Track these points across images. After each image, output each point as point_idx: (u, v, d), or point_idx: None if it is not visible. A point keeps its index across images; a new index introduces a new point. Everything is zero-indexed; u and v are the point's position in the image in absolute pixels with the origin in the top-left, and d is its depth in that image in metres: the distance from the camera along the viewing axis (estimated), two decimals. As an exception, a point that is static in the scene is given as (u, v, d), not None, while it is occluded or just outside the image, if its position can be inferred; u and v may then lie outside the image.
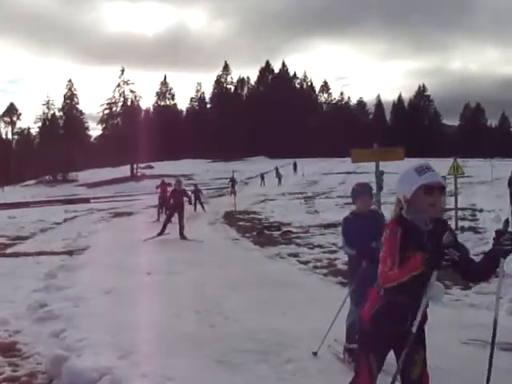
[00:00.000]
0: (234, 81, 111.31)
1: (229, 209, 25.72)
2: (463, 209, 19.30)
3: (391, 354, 2.98)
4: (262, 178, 47.60)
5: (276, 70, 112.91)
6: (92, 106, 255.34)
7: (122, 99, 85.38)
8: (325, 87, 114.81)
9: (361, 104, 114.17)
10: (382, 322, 2.87)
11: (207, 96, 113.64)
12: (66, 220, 23.92)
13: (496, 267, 2.77)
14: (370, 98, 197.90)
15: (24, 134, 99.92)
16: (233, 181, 36.33)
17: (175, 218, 15.37)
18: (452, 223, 14.00)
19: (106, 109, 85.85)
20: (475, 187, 31.47)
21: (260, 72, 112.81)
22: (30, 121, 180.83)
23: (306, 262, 10.98)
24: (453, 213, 15.74)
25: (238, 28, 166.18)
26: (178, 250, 12.91)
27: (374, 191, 15.76)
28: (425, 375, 2.93)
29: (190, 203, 17.84)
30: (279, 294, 7.83)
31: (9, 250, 13.68)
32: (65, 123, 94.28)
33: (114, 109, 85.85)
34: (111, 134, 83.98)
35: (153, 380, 4.45)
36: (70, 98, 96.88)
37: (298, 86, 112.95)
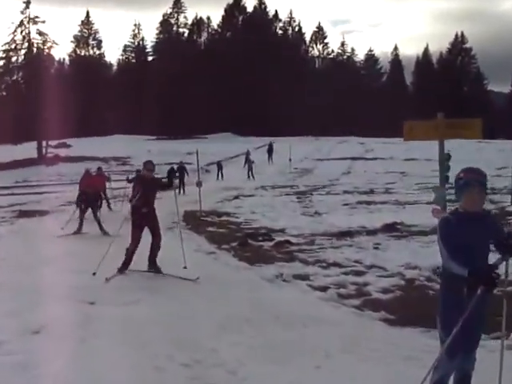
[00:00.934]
0: (189, 22, 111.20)
1: (189, 207, 25.49)
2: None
3: None
4: (220, 167, 46.60)
5: (249, 9, 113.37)
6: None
7: (25, 45, 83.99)
8: (319, 35, 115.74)
9: (370, 60, 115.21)
10: None
11: (149, 44, 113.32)
12: None
13: None
14: (382, 52, 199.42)
15: None
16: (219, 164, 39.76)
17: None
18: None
19: (0, 58, 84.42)
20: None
21: (226, 11, 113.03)
22: None
23: (323, 289, 10.84)
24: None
25: None
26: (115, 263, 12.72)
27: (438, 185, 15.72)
28: None
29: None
30: (300, 337, 7.75)
31: None
32: None
33: (13, 59, 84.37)
34: (9, 96, 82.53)
35: None
36: None
37: (280, 32, 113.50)
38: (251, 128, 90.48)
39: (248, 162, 45.90)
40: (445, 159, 10.55)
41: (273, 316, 8.83)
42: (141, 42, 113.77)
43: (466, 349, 4.77)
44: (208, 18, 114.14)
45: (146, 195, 12.09)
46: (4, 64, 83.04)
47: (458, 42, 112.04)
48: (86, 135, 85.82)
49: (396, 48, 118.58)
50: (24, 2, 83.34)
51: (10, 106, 75.78)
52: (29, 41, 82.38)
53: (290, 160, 49.77)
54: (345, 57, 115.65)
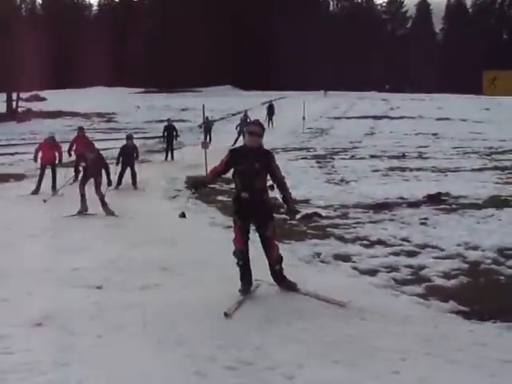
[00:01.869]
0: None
1: (191, 172, 25.37)
2: None
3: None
4: (208, 128, 40.77)
5: None
6: None
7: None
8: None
9: (394, 2, 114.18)
10: None
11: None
12: None
13: None
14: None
15: None
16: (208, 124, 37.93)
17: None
18: None
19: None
20: None
21: None
22: None
23: (372, 272, 10.53)
24: None
25: None
26: (131, 240, 12.64)
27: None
28: None
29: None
30: (361, 333, 7.44)
31: None
32: None
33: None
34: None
35: None
36: None
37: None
38: (254, 80, 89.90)
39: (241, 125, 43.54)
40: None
41: (322, 305, 8.51)
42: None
43: None
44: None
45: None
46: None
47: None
48: (63, 86, 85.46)
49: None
50: None
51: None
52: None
53: (304, 118, 49.06)
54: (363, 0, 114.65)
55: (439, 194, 18.32)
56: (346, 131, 48.33)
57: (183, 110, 64.22)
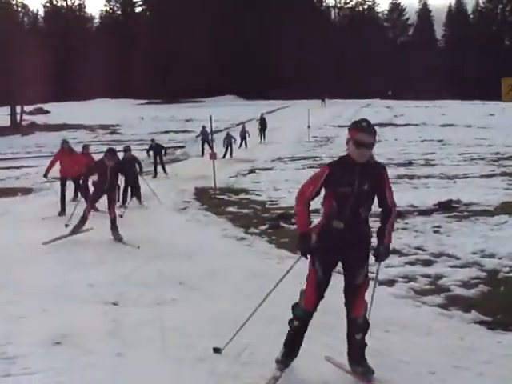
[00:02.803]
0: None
1: (200, 184, 25.60)
2: None
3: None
4: (205, 140, 40.78)
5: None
6: None
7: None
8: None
9: (395, 10, 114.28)
10: None
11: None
12: None
13: None
14: (408, 2, 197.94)
15: None
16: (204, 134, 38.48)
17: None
18: None
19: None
20: None
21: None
22: None
23: (390, 282, 10.39)
24: None
25: None
26: (145, 255, 12.51)
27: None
28: None
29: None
30: (385, 345, 7.39)
31: None
32: None
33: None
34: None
35: None
36: None
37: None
38: (257, 90, 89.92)
39: (229, 138, 42.36)
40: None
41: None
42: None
43: None
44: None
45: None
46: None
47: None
48: (66, 99, 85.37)
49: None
50: None
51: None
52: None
53: (309, 127, 49.08)
54: (365, 6, 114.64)
55: (450, 201, 18.19)
56: (351, 139, 48.16)
57: (187, 120, 64.30)
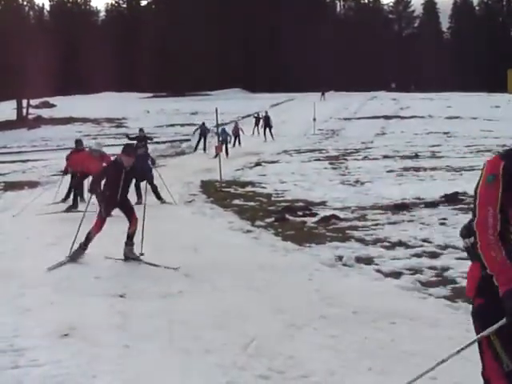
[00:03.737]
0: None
1: (206, 177, 25.70)
2: None
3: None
4: (204, 134, 40.77)
5: None
6: None
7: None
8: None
9: (401, 2, 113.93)
10: None
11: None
12: None
13: None
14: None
15: None
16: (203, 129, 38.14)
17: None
18: None
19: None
20: None
21: None
22: None
23: (396, 275, 10.43)
24: None
25: None
26: (151, 247, 12.36)
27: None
28: None
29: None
30: (392, 337, 7.32)
31: None
32: None
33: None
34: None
35: None
36: None
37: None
38: (263, 83, 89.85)
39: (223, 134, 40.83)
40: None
41: (349, 310, 8.42)
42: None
43: None
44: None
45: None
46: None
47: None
48: (72, 93, 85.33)
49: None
50: None
51: (-17, 60, 75.03)
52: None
53: (315, 120, 49.01)
54: (371, 0, 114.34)
55: (456, 193, 18.16)
56: (357, 132, 48.24)
57: (193, 113, 64.19)
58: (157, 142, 42.25)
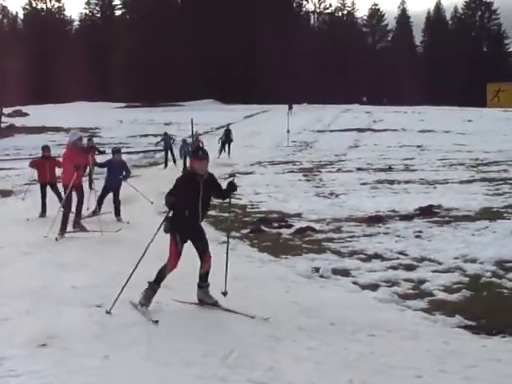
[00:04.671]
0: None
1: None
2: None
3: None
4: (168, 147, 38.14)
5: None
6: None
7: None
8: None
9: (375, 16, 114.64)
10: None
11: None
12: None
13: None
14: (387, 8, 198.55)
15: None
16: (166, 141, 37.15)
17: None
18: None
19: None
20: None
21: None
22: None
23: (373, 287, 10.50)
24: None
25: None
26: (128, 258, 12.15)
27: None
28: None
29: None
30: (371, 349, 7.40)
31: None
32: None
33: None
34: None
35: None
36: None
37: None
38: (236, 95, 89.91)
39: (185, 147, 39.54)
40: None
41: (327, 322, 8.46)
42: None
43: None
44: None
45: None
46: None
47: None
48: (44, 102, 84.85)
49: (403, 1, 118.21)
50: None
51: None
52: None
53: (288, 131, 48.97)
54: (345, 12, 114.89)
55: (431, 206, 18.29)
56: (331, 144, 48.28)
57: (167, 124, 64.05)
58: (130, 152, 42.09)
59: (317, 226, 16.40)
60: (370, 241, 14.33)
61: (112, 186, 18.42)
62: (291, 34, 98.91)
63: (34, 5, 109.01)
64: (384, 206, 19.33)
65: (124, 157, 27.85)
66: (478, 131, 53.44)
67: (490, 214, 16.89)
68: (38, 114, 73.92)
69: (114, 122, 68.51)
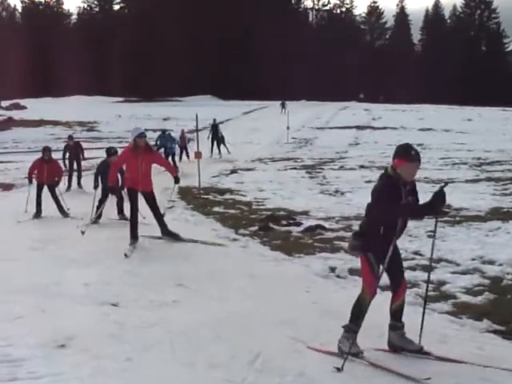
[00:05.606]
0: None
1: (183, 183, 25.12)
2: None
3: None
4: (162, 144, 33.35)
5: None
6: None
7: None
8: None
9: (374, 14, 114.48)
10: None
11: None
12: None
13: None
14: (386, 5, 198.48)
15: None
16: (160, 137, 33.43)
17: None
18: None
19: None
20: None
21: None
22: None
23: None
24: None
25: None
26: (139, 254, 12.31)
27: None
28: None
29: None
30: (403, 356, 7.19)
31: None
32: None
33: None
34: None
35: None
36: None
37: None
38: (234, 90, 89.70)
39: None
40: None
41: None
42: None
43: None
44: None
45: None
46: None
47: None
48: (42, 95, 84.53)
49: (401, 1, 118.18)
50: None
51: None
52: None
53: (288, 128, 48.71)
54: (343, 9, 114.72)
55: (440, 205, 18.02)
56: (331, 141, 48.18)
57: (165, 119, 63.88)
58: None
59: (326, 225, 16.14)
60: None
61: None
62: (290, 30, 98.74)
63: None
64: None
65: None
66: (478, 130, 53.37)
67: (501, 215, 16.67)
68: (36, 107, 73.60)
69: (112, 117, 68.27)
